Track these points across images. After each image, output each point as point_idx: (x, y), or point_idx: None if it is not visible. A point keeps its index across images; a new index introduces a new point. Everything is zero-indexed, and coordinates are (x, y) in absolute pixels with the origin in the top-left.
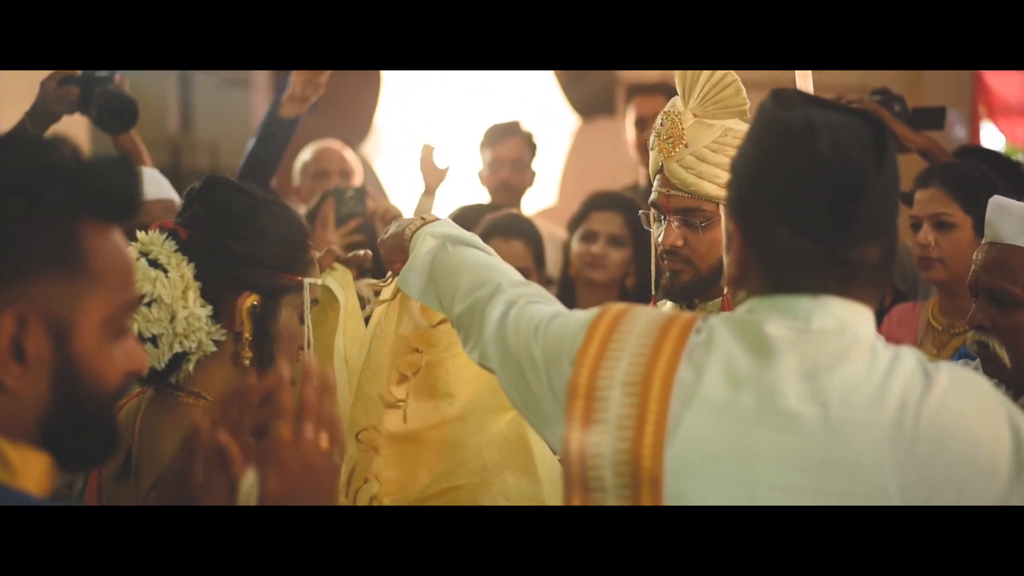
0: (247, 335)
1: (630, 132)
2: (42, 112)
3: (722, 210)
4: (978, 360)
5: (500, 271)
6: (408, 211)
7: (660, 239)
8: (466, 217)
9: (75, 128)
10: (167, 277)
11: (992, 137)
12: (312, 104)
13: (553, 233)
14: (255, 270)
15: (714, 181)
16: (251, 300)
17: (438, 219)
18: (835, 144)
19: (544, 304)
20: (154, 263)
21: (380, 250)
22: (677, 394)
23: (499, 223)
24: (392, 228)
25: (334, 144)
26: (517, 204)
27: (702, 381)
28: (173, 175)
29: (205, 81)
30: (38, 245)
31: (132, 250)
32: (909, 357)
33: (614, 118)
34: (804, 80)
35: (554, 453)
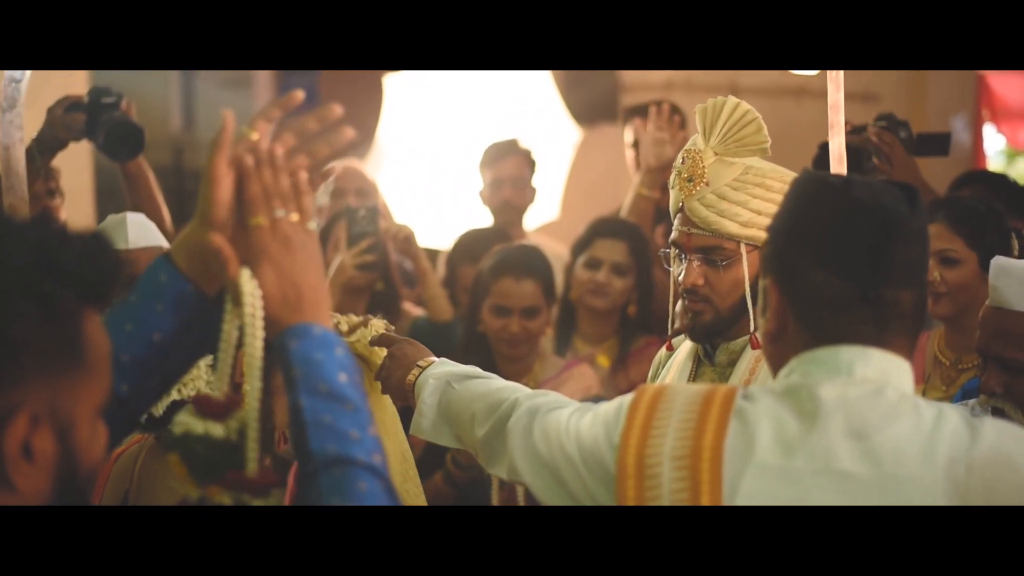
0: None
1: (628, 153)
2: (49, 139)
3: (743, 248)
4: (984, 400)
5: (512, 389)
6: (415, 227)
7: (681, 278)
8: (474, 244)
9: (80, 155)
10: None
11: (993, 139)
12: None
13: (557, 252)
14: None
15: (735, 219)
16: None
17: (433, 361)
18: (871, 192)
19: (565, 408)
20: None
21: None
22: (730, 463)
23: (510, 261)
24: (391, 368)
25: (352, 163)
26: (519, 222)
27: (754, 449)
28: (175, 175)
29: (207, 80)
30: (47, 344)
31: None
32: (952, 413)
33: (616, 125)
34: (835, 81)
35: None
